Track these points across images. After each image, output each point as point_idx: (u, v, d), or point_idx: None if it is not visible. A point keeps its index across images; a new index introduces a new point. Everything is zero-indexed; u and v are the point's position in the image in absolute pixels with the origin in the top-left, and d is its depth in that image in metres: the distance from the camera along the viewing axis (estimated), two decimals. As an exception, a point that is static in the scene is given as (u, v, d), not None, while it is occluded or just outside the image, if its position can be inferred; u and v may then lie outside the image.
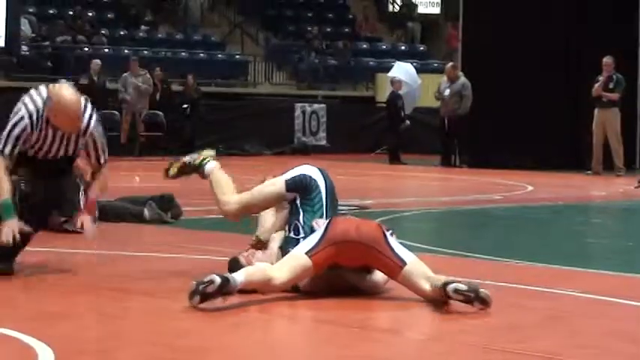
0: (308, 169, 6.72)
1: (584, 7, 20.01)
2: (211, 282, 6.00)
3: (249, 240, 6.84)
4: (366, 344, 5.43)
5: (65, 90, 7.03)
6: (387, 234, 6.42)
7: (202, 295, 5.97)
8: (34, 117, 6.95)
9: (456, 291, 6.08)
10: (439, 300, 6.19)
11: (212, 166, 7.15)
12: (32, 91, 7.04)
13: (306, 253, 6.29)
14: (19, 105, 7.03)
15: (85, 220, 6.98)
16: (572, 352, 5.20)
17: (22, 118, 6.93)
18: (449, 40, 32.21)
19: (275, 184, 6.74)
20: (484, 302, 6.04)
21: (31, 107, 7.01)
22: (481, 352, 5.25)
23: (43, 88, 7.05)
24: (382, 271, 6.45)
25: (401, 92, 23.23)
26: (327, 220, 6.46)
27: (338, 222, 6.44)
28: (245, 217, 7.05)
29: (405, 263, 6.30)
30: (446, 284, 6.10)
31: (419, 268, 6.31)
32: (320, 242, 6.33)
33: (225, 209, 6.95)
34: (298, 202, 6.62)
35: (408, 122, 22.79)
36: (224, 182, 7.08)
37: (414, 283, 6.30)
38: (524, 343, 5.36)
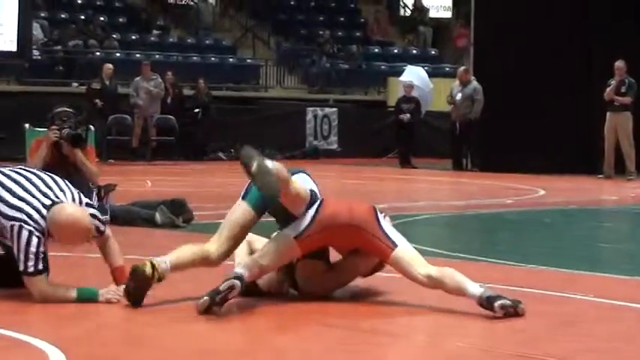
0: (309, 183, 6.60)
1: (597, 8, 19.98)
2: (233, 287, 5.98)
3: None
4: (376, 348, 5.44)
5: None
6: (380, 216, 6.39)
7: (223, 302, 5.96)
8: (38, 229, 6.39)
9: (502, 307, 6.01)
10: (431, 288, 6.19)
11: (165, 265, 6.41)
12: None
13: (295, 237, 6.24)
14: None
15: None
16: (583, 357, 5.20)
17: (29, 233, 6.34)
18: (456, 39, 32.24)
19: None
20: (518, 315, 6.02)
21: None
22: (490, 357, 5.25)
23: None
24: (373, 254, 6.42)
25: (413, 94, 23.21)
26: (318, 202, 6.38)
27: (329, 204, 6.35)
28: None
29: (396, 245, 6.27)
30: (491, 298, 6.03)
31: (410, 252, 6.29)
32: (310, 225, 6.26)
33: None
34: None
35: (408, 115, 22.74)
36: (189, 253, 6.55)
37: (406, 267, 6.27)
38: (533, 347, 5.36)
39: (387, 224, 6.38)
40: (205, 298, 5.94)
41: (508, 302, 5.99)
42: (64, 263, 7.39)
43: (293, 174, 6.47)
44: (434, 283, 6.19)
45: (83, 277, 7.17)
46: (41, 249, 6.27)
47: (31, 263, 6.25)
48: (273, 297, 6.42)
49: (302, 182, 6.46)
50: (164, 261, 6.36)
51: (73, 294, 6.36)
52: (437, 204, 14.35)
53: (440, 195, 16.91)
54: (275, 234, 6.43)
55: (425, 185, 19.28)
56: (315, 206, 6.34)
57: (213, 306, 5.93)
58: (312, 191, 6.44)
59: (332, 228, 6.29)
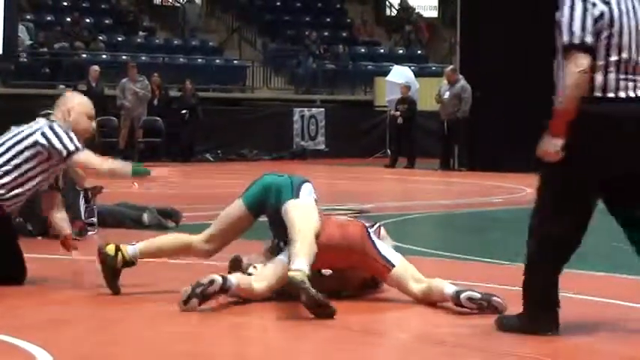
0: (312, 194, 6.59)
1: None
2: (213, 282, 5.99)
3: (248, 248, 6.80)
4: (367, 348, 5.44)
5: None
6: (372, 234, 6.40)
7: (203, 296, 5.97)
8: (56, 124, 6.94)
9: (470, 299, 6.07)
10: (428, 303, 6.23)
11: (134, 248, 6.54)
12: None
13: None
14: (18, 130, 6.93)
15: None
16: (573, 354, 5.21)
17: (54, 124, 6.87)
18: (420, 31, 32.44)
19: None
20: (497, 310, 6.04)
21: (44, 122, 6.95)
22: (482, 355, 5.26)
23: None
24: (369, 273, 6.44)
25: (410, 95, 23.27)
26: None
27: (322, 227, 6.38)
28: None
29: (393, 265, 6.29)
30: (459, 292, 6.10)
31: (407, 270, 6.31)
32: None
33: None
34: None
35: (397, 112, 22.80)
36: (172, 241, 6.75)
37: (404, 285, 6.31)
38: (524, 344, 5.37)
39: (380, 242, 6.40)
40: (186, 288, 5.99)
41: (477, 295, 6.06)
42: (56, 265, 7.39)
43: (300, 183, 6.50)
44: (425, 297, 6.27)
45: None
46: (71, 134, 6.75)
47: (71, 143, 6.71)
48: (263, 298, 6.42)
49: (308, 194, 6.49)
50: (133, 245, 6.42)
51: (128, 168, 6.92)
52: (426, 203, 14.37)
53: (428, 194, 16.93)
54: (272, 264, 6.39)
55: (413, 185, 19.30)
56: None
57: (193, 297, 5.95)
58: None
59: (326, 251, 6.27)
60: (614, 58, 5.37)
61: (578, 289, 6.84)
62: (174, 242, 6.71)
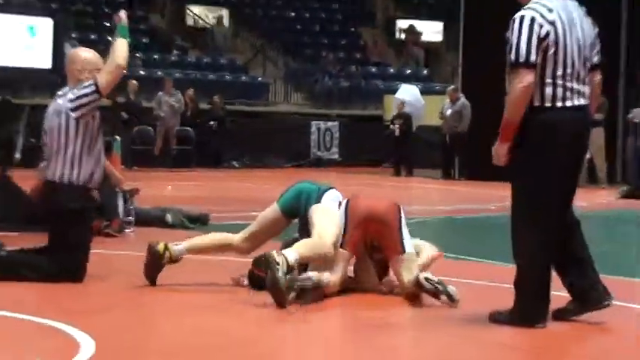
0: (338, 198, 6.62)
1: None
2: (309, 279, 6.04)
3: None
4: (386, 339, 5.45)
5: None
6: (402, 218, 6.42)
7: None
8: None
9: (427, 279, 6.11)
10: (410, 292, 6.24)
11: (180, 247, 6.58)
12: None
13: (341, 246, 6.26)
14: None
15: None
16: (562, 344, 5.22)
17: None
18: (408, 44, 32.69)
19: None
20: (451, 298, 6.05)
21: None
22: (477, 346, 5.27)
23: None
24: (384, 248, 6.42)
25: (406, 111, 23.29)
26: (344, 205, 6.39)
27: (358, 203, 6.38)
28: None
29: (404, 251, 6.31)
30: (419, 274, 6.14)
31: (411, 262, 6.31)
32: (346, 230, 6.29)
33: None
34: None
35: (393, 126, 22.86)
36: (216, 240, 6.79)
37: (399, 272, 6.31)
38: (517, 337, 5.38)
39: (405, 227, 6.41)
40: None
41: (434, 278, 6.13)
42: (98, 259, 7.42)
43: (325, 190, 6.56)
44: (413, 290, 6.27)
45: (112, 272, 7.19)
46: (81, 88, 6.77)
47: (90, 89, 6.75)
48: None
49: (332, 200, 6.52)
50: (179, 244, 6.47)
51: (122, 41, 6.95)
52: (427, 209, 14.36)
53: (430, 200, 16.92)
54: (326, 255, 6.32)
55: (417, 191, 19.29)
56: (343, 211, 6.35)
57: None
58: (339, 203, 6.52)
59: (365, 222, 6.31)
60: (559, 72, 5.47)
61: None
62: (217, 241, 6.75)
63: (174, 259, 6.52)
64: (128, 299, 6.37)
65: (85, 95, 6.69)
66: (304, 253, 6.04)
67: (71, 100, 6.73)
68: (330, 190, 6.58)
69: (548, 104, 5.50)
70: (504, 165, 5.55)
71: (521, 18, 5.50)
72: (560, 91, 5.51)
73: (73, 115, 6.70)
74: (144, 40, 29.52)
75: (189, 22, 31.68)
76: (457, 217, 13.32)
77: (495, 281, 7.01)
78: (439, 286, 6.08)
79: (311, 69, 31.09)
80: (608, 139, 19.33)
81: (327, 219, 6.32)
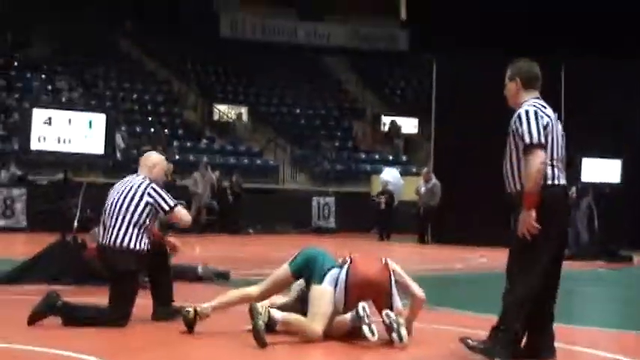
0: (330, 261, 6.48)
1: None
2: (365, 307, 5.95)
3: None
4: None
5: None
6: (392, 278, 6.31)
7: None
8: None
9: (387, 315, 6.02)
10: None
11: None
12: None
13: (344, 305, 6.14)
14: (125, 186, 7.02)
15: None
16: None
17: (155, 185, 6.99)
18: (391, 135, 32.43)
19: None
20: (400, 338, 5.96)
21: (142, 177, 7.09)
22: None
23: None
24: (377, 306, 6.29)
25: (389, 188, 23.34)
26: (346, 268, 6.24)
27: (357, 268, 6.23)
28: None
29: (392, 309, 6.22)
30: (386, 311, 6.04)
31: (398, 317, 6.21)
32: (347, 293, 6.16)
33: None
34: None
35: (379, 199, 22.93)
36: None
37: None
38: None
39: (394, 286, 6.29)
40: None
41: (393, 317, 6.02)
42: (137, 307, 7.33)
43: (328, 270, 6.29)
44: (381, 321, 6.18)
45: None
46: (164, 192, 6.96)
47: (170, 200, 6.97)
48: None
49: (329, 282, 6.26)
50: (207, 305, 6.42)
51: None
52: (404, 267, 14.26)
53: (407, 261, 16.83)
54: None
55: (397, 253, 19.19)
56: (344, 276, 6.19)
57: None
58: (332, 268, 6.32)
59: (362, 287, 6.17)
60: (554, 155, 5.51)
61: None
62: (238, 296, 6.64)
63: (204, 317, 6.48)
64: (167, 341, 6.30)
65: (164, 200, 6.89)
66: (290, 322, 6.01)
67: (153, 189, 6.93)
68: (332, 271, 6.39)
69: (549, 182, 5.50)
70: (533, 233, 5.41)
71: (527, 111, 5.56)
72: (555, 171, 5.52)
73: (150, 201, 6.76)
74: (179, 132, 29.67)
75: (216, 117, 31.86)
76: (428, 274, 13.23)
77: (463, 327, 6.93)
78: (394, 325, 5.99)
79: (312, 155, 31.18)
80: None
81: (322, 304, 6.19)
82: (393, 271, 6.33)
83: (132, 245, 6.68)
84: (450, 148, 20.88)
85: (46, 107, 10.70)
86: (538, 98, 5.68)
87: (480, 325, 7.26)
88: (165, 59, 33.00)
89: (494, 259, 16.10)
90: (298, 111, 34.01)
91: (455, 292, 10.98)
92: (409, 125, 35.08)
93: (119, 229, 6.68)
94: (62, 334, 6.24)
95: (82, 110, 11.27)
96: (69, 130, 9.85)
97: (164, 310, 6.94)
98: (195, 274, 10.37)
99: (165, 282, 6.98)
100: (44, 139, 9.68)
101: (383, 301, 6.21)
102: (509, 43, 23.70)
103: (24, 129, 9.89)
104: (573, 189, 18.97)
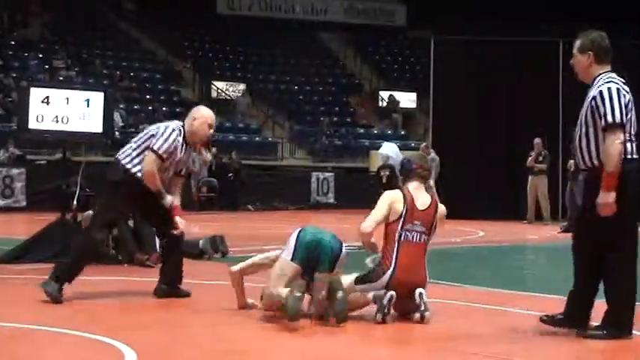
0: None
1: (524, 107, 20.08)
2: (392, 298, 5.91)
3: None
4: (372, 350, 5.39)
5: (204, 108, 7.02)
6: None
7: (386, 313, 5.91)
8: (180, 129, 6.83)
9: (420, 295, 6.00)
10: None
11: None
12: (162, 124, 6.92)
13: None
14: (158, 125, 6.90)
15: (178, 218, 6.88)
16: (521, 354, 5.16)
17: (173, 130, 6.78)
18: (389, 110, 32.33)
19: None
20: (422, 318, 5.92)
21: (176, 124, 6.87)
22: (449, 355, 5.19)
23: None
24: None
25: (390, 163, 23.26)
26: (390, 274, 6.11)
27: (400, 273, 6.09)
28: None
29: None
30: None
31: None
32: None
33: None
34: None
35: (383, 173, 22.80)
36: None
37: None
38: (483, 347, 5.31)
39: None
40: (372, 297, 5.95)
41: (379, 293, 5.94)
42: (139, 285, 7.34)
43: (337, 256, 6.20)
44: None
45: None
46: (172, 146, 6.73)
47: (158, 143, 6.70)
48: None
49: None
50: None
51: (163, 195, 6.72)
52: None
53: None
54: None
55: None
56: (386, 279, 6.08)
57: (379, 312, 5.92)
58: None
59: (404, 288, 6.06)
60: (632, 130, 5.48)
61: (527, 308, 6.76)
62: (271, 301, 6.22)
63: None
64: (164, 318, 6.31)
65: (158, 139, 6.82)
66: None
67: (166, 128, 6.86)
68: (340, 257, 6.26)
69: (628, 157, 5.46)
70: (612, 213, 5.36)
71: (609, 89, 5.46)
72: (633, 146, 5.53)
73: (154, 132, 6.89)
74: (177, 109, 29.58)
75: (214, 94, 31.78)
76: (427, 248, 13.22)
77: (463, 301, 6.93)
78: (422, 306, 5.97)
79: (311, 131, 31.14)
80: (551, 185, 19.33)
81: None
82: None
83: (124, 161, 6.77)
84: (448, 123, 20.84)
85: (44, 86, 10.66)
86: (611, 72, 5.59)
87: (484, 299, 7.28)
88: (162, 37, 32.86)
89: (491, 233, 16.14)
90: (296, 87, 33.93)
91: (453, 266, 10.99)
92: (407, 100, 35.02)
93: (124, 147, 6.84)
94: (67, 313, 6.25)
95: (79, 89, 11.20)
96: (67, 109, 9.80)
97: (165, 289, 6.93)
98: (197, 247, 10.38)
99: (173, 261, 6.92)
100: (42, 118, 9.64)
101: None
102: (508, 18, 23.63)
103: (22, 108, 9.85)
104: (572, 162, 19.00)
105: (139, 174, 6.74)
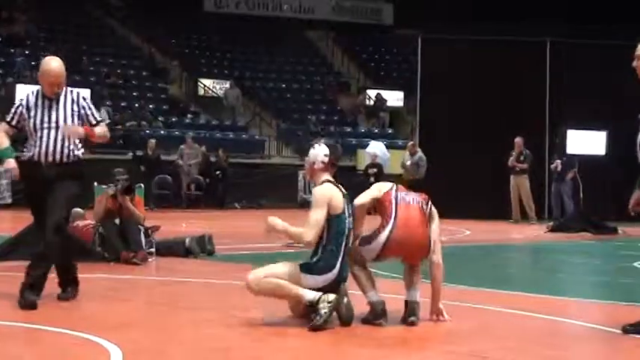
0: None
1: (511, 106, 20.16)
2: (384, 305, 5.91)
3: None
4: (345, 345, 5.40)
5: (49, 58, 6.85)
6: (431, 246, 6.20)
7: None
8: (27, 95, 6.85)
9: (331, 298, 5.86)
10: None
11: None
12: None
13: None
14: None
15: (73, 127, 6.92)
16: (497, 353, 5.19)
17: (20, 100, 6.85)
18: (376, 109, 32.31)
19: None
20: (413, 323, 5.93)
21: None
22: (427, 353, 5.22)
23: None
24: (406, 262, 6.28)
25: (377, 161, 23.31)
26: (391, 226, 6.06)
27: (401, 227, 6.06)
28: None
29: None
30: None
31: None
32: (384, 246, 6.13)
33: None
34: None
35: (370, 171, 22.88)
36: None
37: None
38: (461, 345, 5.33)
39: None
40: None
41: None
42: (126, 283, 7.34)
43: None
44: None
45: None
46: (17, 113, 6.82)
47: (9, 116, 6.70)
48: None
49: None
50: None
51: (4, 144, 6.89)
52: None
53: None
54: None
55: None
56: (387, 232, 5.97)
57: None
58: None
59: (404, 247, 6.03)
60: None
61: (508, 306, 6.80)
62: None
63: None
64: (147, 316, 6.31)
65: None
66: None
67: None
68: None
69: None
70: None
71: None
72: None
73: None
74: (164, 107, 29.55)
75: (201, 92, 31.73)
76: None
77: (446, 300, 6.96)
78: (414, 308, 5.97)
79: (298, 129, 31.14)
80: (537, 184, 19.41)
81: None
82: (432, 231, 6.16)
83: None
84: (435, 121, 20.92)
85: (30, 83, 10.63)
86: None
87: (474, 299, 7.32)
88: (149, 34, 32.80)
89: (477, 232, 16.19)
90: (283, 85, 33.91)
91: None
92: (394, 98, 35.04)
93: None
94: (52, 311, 6.25)
95: (66, 85, 11.14)
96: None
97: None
98: (183, 246, 10.38)
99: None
100: (28, 115, 9.60)
101: (416, 262, 6.14)
102: (495, 17, 23.68)
103: (8, 105, 9.82)
104: (558, 161, 19.08)
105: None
